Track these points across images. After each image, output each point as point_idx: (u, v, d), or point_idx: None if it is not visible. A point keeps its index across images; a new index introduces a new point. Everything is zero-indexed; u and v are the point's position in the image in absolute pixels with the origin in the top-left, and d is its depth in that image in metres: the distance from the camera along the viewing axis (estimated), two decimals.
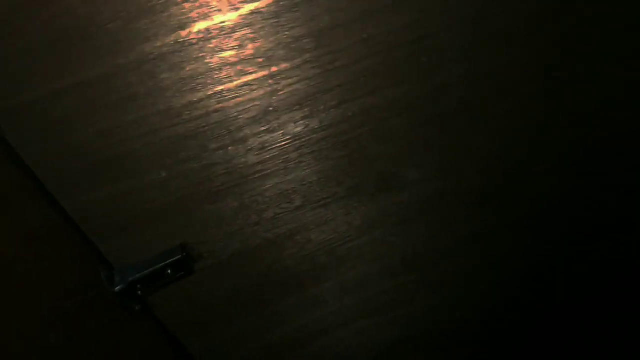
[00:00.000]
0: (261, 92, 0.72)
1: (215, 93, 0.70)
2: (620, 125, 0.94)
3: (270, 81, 0.72)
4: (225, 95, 0.71)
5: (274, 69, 0.71)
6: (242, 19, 0.66)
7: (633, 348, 1.32)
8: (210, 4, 0.64)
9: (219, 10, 0.65)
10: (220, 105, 0.71)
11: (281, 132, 0.77)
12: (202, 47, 0.66)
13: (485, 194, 0.92)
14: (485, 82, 0.80)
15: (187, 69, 0.67)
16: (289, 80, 0.73)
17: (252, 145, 0.76)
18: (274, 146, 0.78)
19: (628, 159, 1.00)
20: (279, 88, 0.73)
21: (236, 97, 0.72)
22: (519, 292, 1.11)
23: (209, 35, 0.66)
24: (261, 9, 0.66)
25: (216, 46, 0.67)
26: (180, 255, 0.78)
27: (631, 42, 0.85)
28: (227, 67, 0.69)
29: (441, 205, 0.91)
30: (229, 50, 0.68)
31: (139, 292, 0.77)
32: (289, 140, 0.78)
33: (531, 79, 0.83)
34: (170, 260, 0.78)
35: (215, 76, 0.69)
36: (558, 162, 0.94)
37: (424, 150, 0.84)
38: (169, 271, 0.78)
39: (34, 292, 0.63)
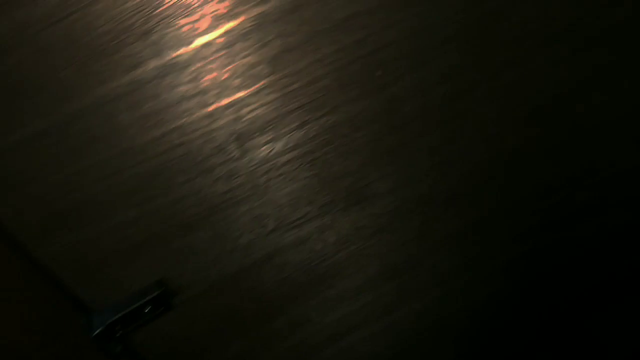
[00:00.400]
0: (222, 121, 0.73)
1: (177, 127, 0.71)
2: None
3: (230, 110, 0.73)
4: (187, 129, 0.72)
5: (232, 98, 0.72)
6: (195, 52, 0.67)
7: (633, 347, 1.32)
8: (161, 41, 0.65)
9: (171, 46, 0.65)
10: (183, 138, 0.72)
11: (247, 158, 0.77)
12: (158, 84, 0.67)
13: (455, 196, 0.93)
14: (440, 88, 0.82)
15: (146, 106, 0.68)
16: (249, 108, 0.74)
17: (220, 175, 0.77)
18: (241, 173, 0.78)
19: (622, 154, 1.02)
20: (239, 116, 0.74)
21: (198, 129, 0.72)
22: (505, 290, 1.12)
23: (163, 72, 0.66)
24: (212, 42, 0.67)
25: (172, 82, 0.67)
26: (158, 292, 0.78)
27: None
28: (185, 101, 0.69)
29: (413, 212, 0.92)
30: (185, 84, 0.68)
31: (119, 333, 0.76)
32: (255, 166, 0.79)
33: (483, 79, 0.85)
34: (148, 298, 0.78)
35: (175, 111, 0.70)
36: (537, 162, 0.96)
37: (389, 161, 0.86)
38: (148, 309, 0.78)
39: (9, 348, 0.62)
